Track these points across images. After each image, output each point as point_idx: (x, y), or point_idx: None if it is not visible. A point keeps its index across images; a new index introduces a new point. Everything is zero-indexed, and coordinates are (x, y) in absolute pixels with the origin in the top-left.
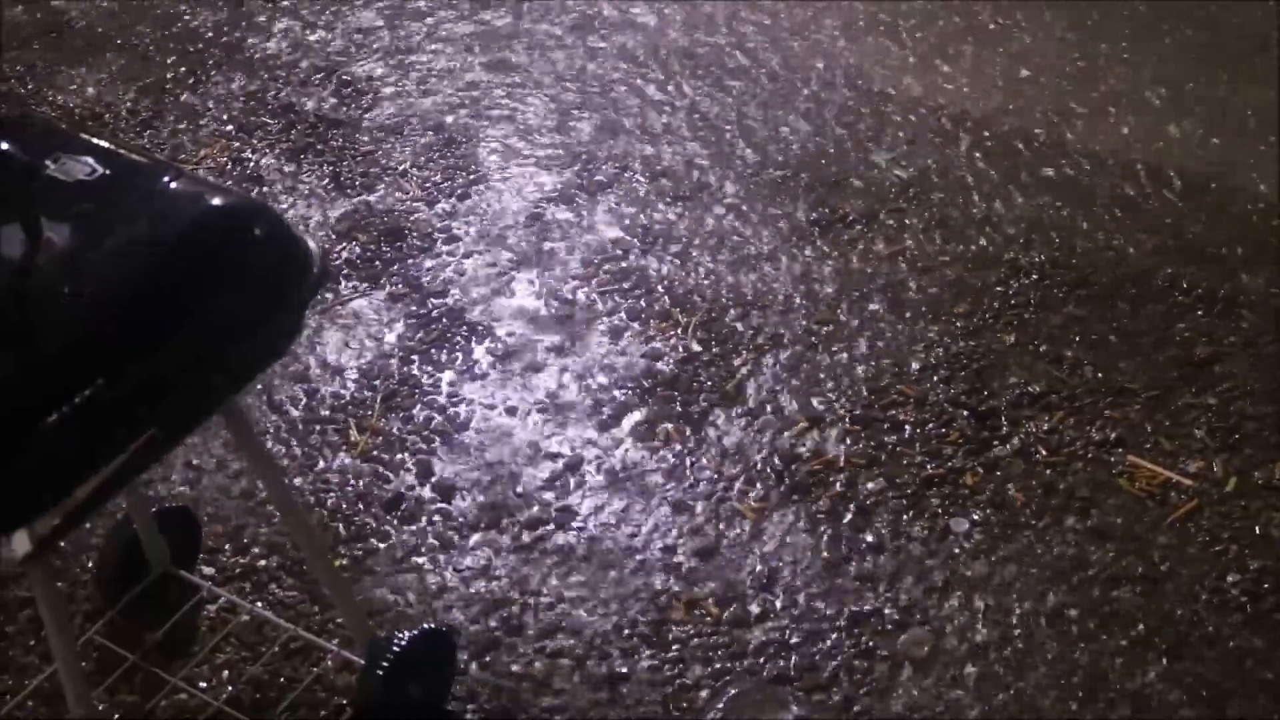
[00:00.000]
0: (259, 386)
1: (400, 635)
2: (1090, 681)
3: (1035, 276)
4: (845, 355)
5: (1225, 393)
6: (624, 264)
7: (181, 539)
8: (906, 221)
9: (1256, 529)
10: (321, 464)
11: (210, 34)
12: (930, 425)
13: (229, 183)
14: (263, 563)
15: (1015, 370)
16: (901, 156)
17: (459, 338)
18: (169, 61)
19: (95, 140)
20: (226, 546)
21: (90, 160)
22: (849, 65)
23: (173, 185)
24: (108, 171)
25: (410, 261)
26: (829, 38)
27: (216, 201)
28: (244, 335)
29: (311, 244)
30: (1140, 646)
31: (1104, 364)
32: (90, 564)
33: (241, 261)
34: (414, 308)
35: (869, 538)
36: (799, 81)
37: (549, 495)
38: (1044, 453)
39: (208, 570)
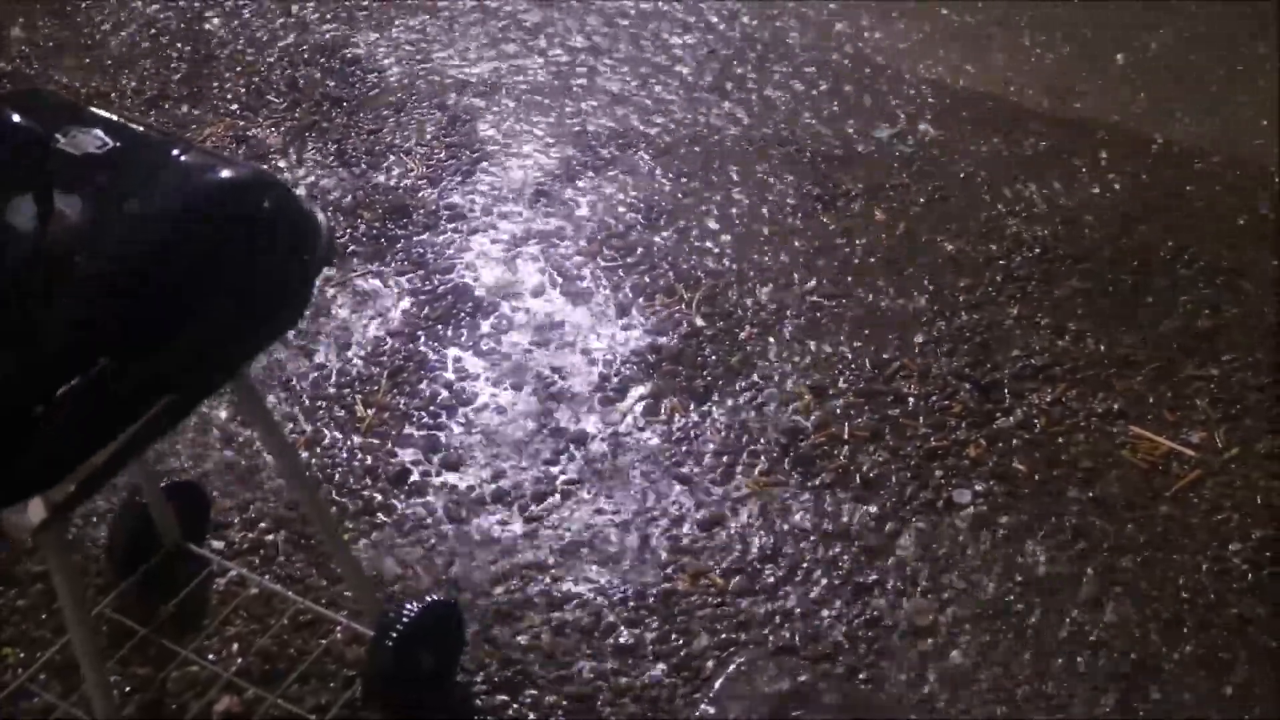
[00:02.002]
0: (266, 362)
1: (409, 607)
2: (1093, 649)
3: (1038, 250)
4: (848, 329)
5: (1227, 364)
6: (628, 240)
7: (191, 513)
8: (908, 196)
9: (1258, 499)
10: (329, 439)
11: (215, 13)
12: (934, 398)
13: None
14: (271, 536)
15: (1018, 343)
16: (903, 132)
17: (464, 314)
18: (174, 41)
19: (105, 113)
20: (235, 520)
21: (100, 133)
22: (850, 42)
23: (183, 158)
24: (118, 144)
25: (416, 239)
26: (829, 14)
27: (227, 174)
28: (255, 306)
29: (320, 216)
30: (1143, 615)
31: (1107, 336)
32: (101, 539)
33: (252, 233)
34: (420, 284)
35: (873, 509)
36: (801, 58)
37: (555, 469)
38: (1047, 424)
39: (217, 544)
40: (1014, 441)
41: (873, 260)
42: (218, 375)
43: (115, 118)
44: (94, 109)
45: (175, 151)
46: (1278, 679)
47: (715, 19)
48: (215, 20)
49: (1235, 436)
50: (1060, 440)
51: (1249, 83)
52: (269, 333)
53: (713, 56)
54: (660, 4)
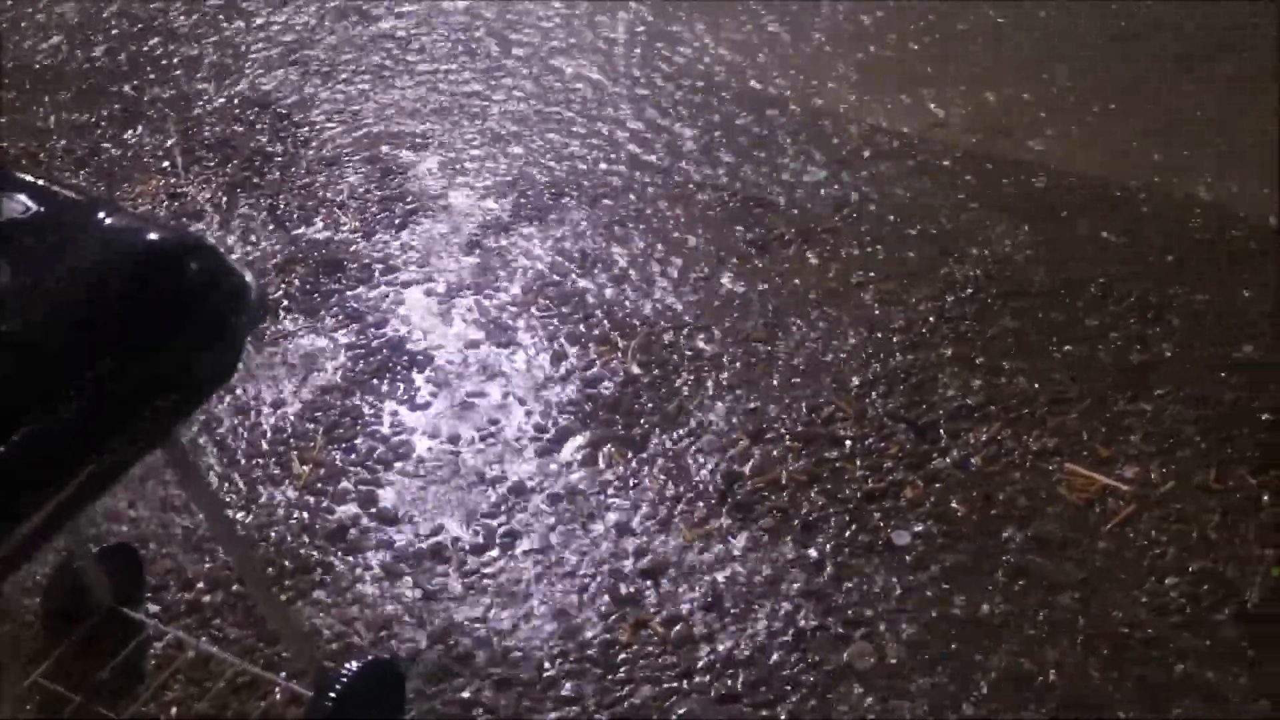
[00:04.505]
0: (200, 421)
1: (348, 666)
2: (1035, 688)
3: (971, 290)
4: (784, 373)
5: (1160, 399)
6: (563, 289)
7: (125, 577)
8: (841, 239)
9: (1194, 532)
10: (265, 497)
11: (144, 70)
12: (870, 440)
13: (166, 218)
14: (208, 598)
15: (953, 383)
16: (835, 175)
17: (400, 367)
18: (103, 99)
19: (28, 177)
20: (171, 583)
21: (23, 198)
22: (782, 87)
23: (108, 221)
24: (42, 209)
25: (350, 293)
26: (761, 59)
27: (152, 236)
28: (181, 369)
29: (249, 276)
30: (1083, 651)
31: (1040, 374)
32: (33, 606)
33: (178, 296)
34: (354, 339)
35: (812, 553)
36: (733, 104)
37: (494, 522)
38: (983, 464)
39: (153, 608)
40: (951, 481)
41: (807, 304)
42: (145, 437)
43: (40, 181)
44: (18, 173)
45: (100, 215)
46: (1217, 712)
47: (646, 68)
48: (145, 79)
49: (1169, 470)
50: (997, 479)
51: (1178, 117)
52: (198, 395)
53: (645, 105)
54: (591, 56)
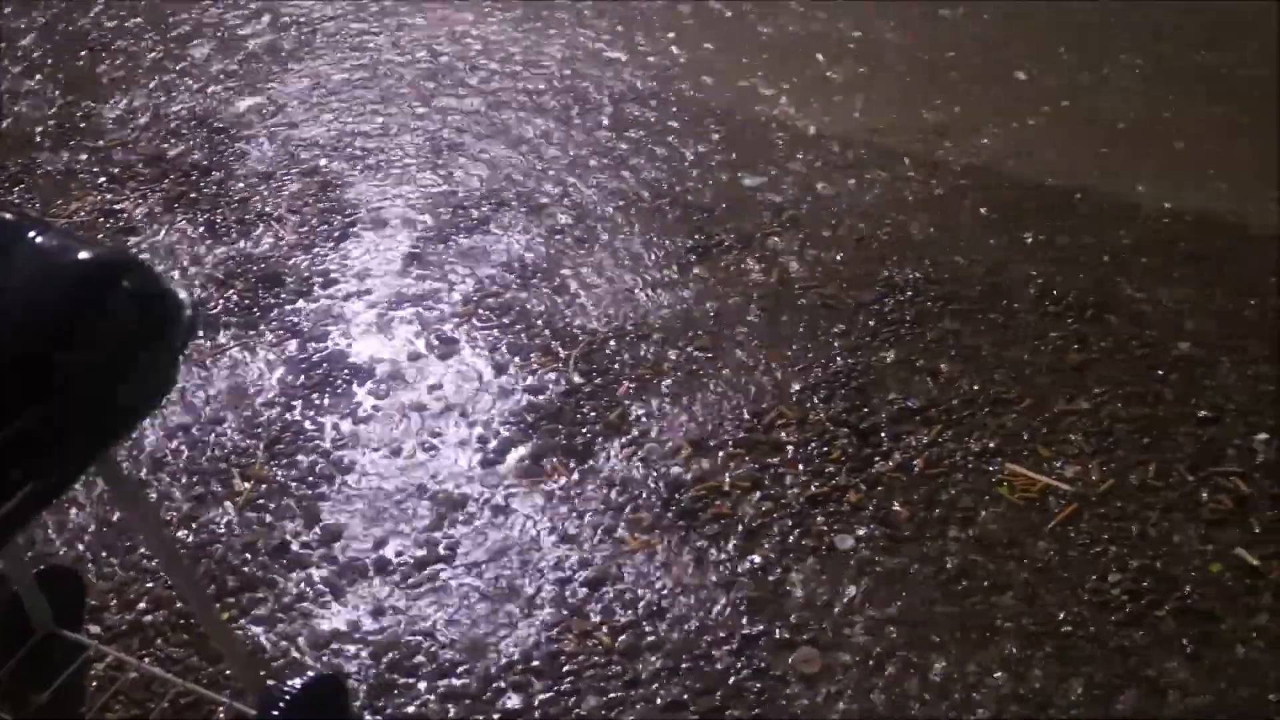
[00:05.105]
0: (138, 439)
1: (292, 684)
2: (980, 687)
3: (910, 293)
4: (726, 380)
5: (1098, 398)
6: (503, 299)
7: (65, 598)
8: (781, 245)
9: (1134, 529)
10: (206, 514)
11: (78, 87)
12: (812, 445)
13: (101, 235)
14: (149, 618)
15: (894, 386)
16: (774, 181)
17: (341, 381)
18: (36, 116)
19: None
20: (112, 603)
21: None
22: (721, 93)
23: (38, 240)
24: None
25: (289, 307)
26: (700, 68)
27: (83, 255)
28: (115, 388)
29: (182, 293)
30: (1027, 650)
31: (979, 375)
32: None
33: (110, 314)
34: (294, 353)
35: (756, 559)
36: (673, 110)
37: (437, 534)
38: (925, 466)
39: (94, 629)
40: (893, 485)
41: (747, 310)
42: (80, 460)
43: None
44: None
45: (31, 233)
46: (1160, 707)
47: (583, 77)
48: (78, 95)
49: (1109, 469)
50: (939, 481)
51: (1109, 115)
52: (131, 413)
53: (582, 113)
54: (529, 68)
